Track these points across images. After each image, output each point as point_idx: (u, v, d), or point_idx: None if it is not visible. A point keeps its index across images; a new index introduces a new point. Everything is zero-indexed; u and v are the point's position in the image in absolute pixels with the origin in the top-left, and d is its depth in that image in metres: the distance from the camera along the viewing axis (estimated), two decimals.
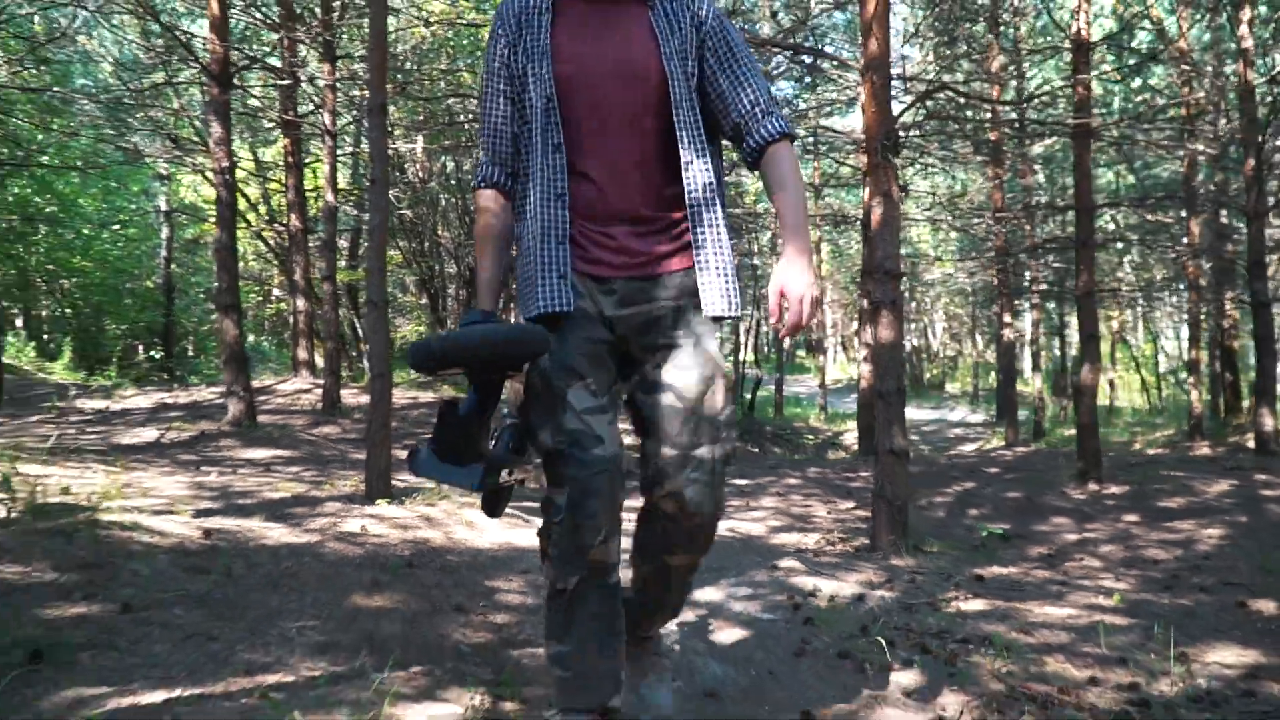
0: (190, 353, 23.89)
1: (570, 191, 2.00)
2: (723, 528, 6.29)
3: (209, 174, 11.07)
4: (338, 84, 10.32)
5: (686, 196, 2.01)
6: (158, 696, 2.27)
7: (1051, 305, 18.55)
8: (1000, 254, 12.50)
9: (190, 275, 22.91)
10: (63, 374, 15.80)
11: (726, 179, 2.08)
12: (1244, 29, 9.23)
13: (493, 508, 2.04)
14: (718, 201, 2.04)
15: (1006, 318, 12.86)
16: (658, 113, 2.00)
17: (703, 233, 2.02)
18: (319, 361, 12.76)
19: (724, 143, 2.22)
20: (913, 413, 23.33)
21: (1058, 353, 25.07)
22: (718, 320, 2.03)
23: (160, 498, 4.70)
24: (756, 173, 2.08)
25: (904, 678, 3.12)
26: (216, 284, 8.16)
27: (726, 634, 3.54)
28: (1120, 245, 13.05)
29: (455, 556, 4.31)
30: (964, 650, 3.48)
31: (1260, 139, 9.09)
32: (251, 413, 7.97)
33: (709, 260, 2.01)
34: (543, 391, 1.94)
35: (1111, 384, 21.09)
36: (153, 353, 20.33)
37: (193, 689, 2.34)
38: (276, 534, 4.21)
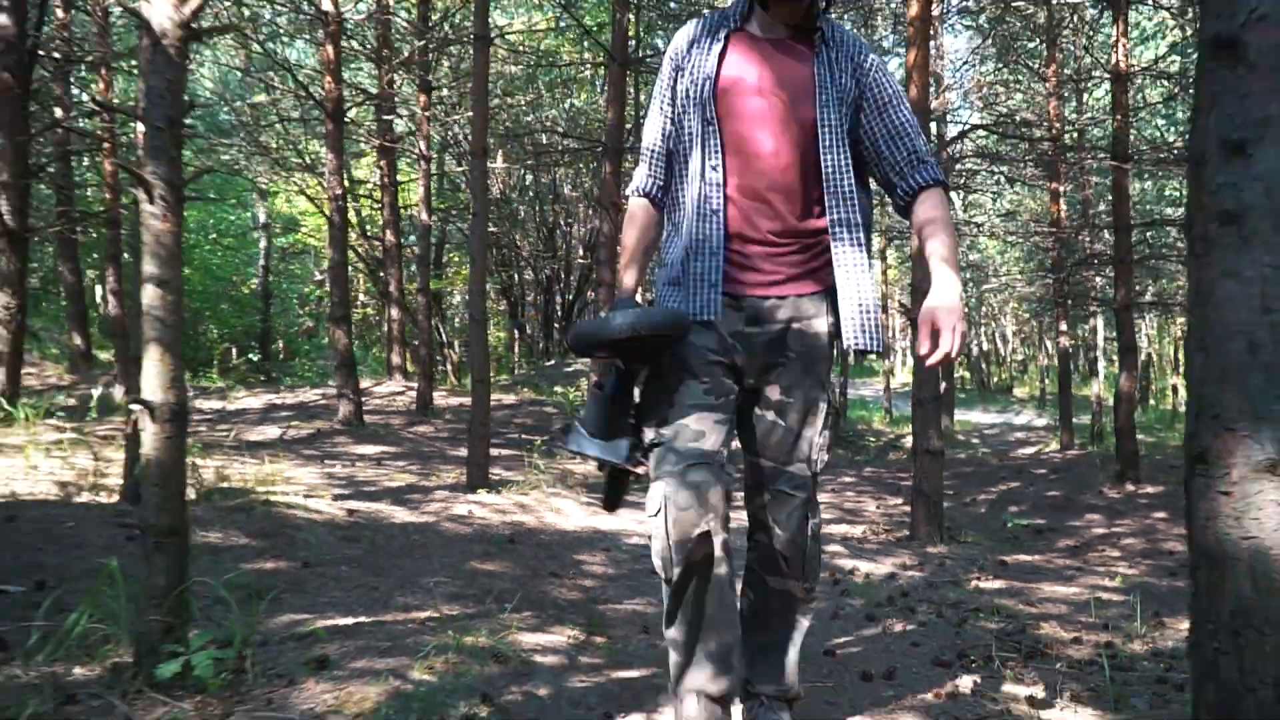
0: (280, 356, 25.30)
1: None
2: None
3: (314, 195, 12.08)
4: (431, 113, 11.27)
5: (831, 234, 2.10)
6: (348, 621, 3.13)
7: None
8: (1056, 266, 12.98)
9: (284, 282, 24.28)
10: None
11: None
12: None
13: (613, 504, 2.18)
14: (861, 240, 2.12)
15: (1063, 326, 13.32)
16: (806, 151, 2.08)
17: (844, 269, 2.10)
18: (407, 366, 13.75)
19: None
20: (978, 416, 23.70)
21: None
22: (861, 354, 2.13)
23: (301, 485, 5.62)
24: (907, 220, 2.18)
25: (915, 634, 3.86)
26: (331, 299, 9.16)
27: None
28: (1166, 259, 13.37)
29: (547, 536, 5.14)
30: (973, 616, 4.19)
31: None
32: (359, 413, 8.95)
33: (851, 295, 2.09)
34: (655, 388, 2.07)
35: (1175, 389, 21.19)
36: (250, 355, 21.67)
37: (370, 618, 3.20)
38: (401, 515, 5.10)
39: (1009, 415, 24.45)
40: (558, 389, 14.86)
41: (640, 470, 2.06)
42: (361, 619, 3.17)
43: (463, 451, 7.49)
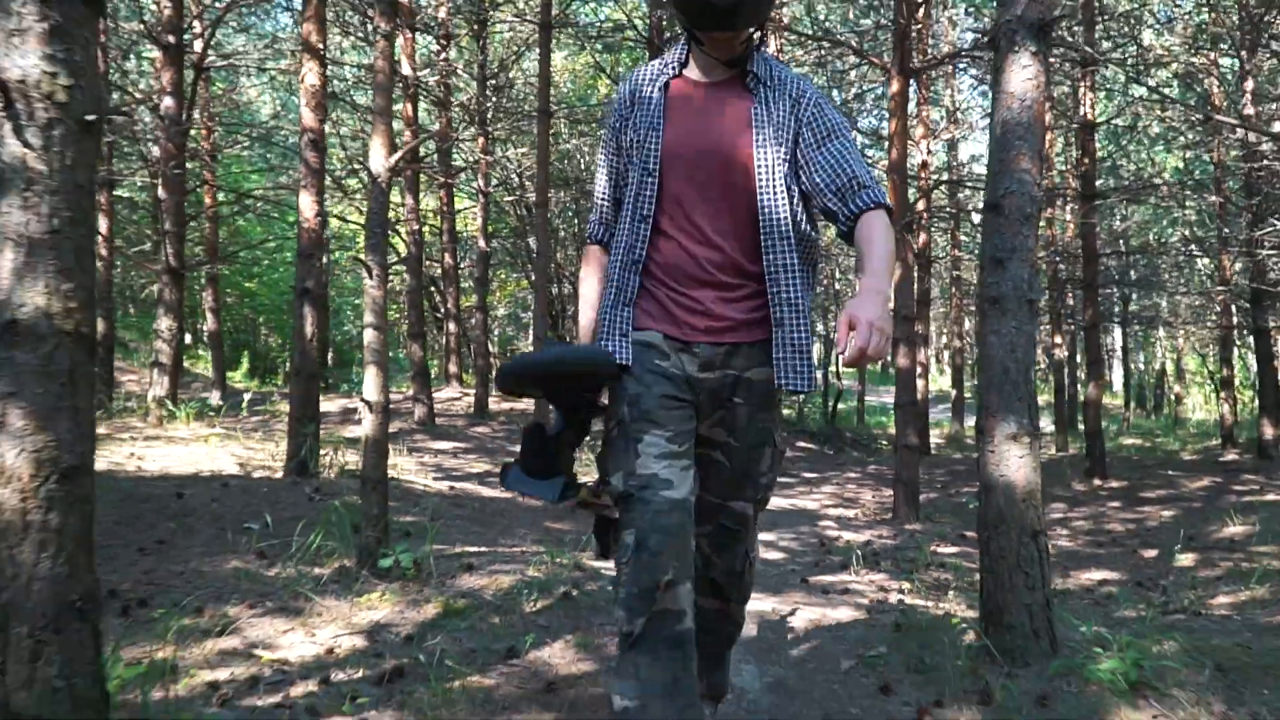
0: (329, 363, 27.04)
1: (660, 257, 2.12)
2: (785, 504, 8.52)
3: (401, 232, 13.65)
4: (490, 153, 12.85)
5: (766, 277, 2.08)
6: (476, 548, 4.62)
7: (1128, 328, 20.05)
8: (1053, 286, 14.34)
9: (339, 296, 25.98)
10: (241, 380, 18.89)
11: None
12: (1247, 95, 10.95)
13: (605, 548, 2.23)
14: (798, 282, 2.09)
15: (1057, 339, 14.65)
16: (747, 191, 2.08)
17: (779, 311, 2.08)
18: (462, 374, 15.31)
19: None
20: None
21: (1131, 369, 26.34)
22: (794, 393, 2.09)
23: (407, 470, 7.15)
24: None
25: (874, 575, 5.29)
26: (408, 318, 10.73)
27: (772, 553, 5.78)
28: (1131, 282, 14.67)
29: None
30: (923, 569, 5.60)
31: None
32: (432, 415, 10.50)
33: (786, 338, 2.08)
34: (619, 438, 2.02)
35: (1179, 398, 22.35)
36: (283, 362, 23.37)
37: (489, 548, 4.69)
38: (486, 491, 6.61)
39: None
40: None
41: (602, 507, 2.13)
42: (483, 549, 4.67)
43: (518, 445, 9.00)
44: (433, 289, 17.96)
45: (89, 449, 2.14)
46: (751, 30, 2.07)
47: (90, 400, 2.16)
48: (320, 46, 5.87)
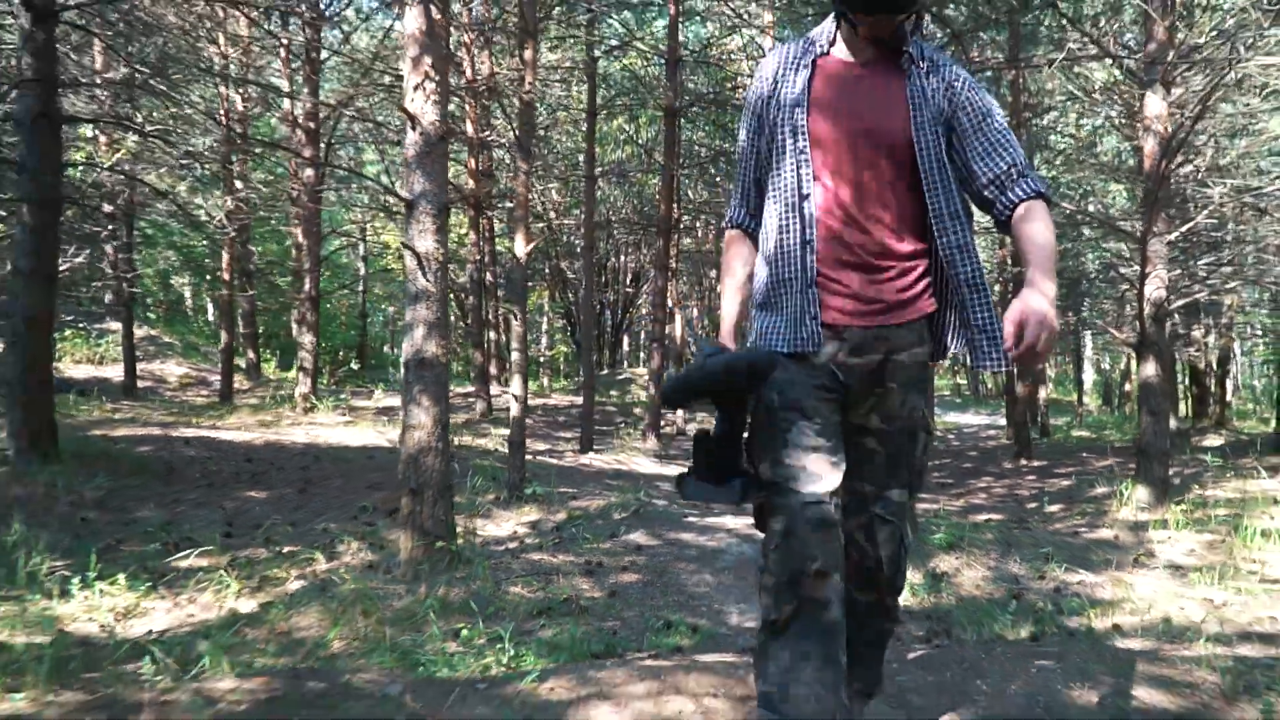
0: (356, 365, 29.62)
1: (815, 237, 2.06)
2: None
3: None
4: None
5: (944, 257, 2.03)
6: (569, 489, 7.14)
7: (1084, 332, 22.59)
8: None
9: (377, 303, 28.51)
10: (296, 379, 21.47)
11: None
12: None
13: (684, 487, 2.11)
14: (976, 260, 2.04)
15: None
16: (902, 174, 2.03)
17: (961, 291, 2.03)
18: (500, 376, 17.83)
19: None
20: (968, 418, 27.47)
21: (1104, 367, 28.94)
22: (989, 370, 2.02)
23: (479, 447, 9.67)
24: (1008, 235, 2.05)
25: None
26: (470, 328, 13.24)
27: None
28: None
29: (638, 475, 9.14)
30: None
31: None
32: (490, 408, 13.03)
33: (972, 318, 2.03)
34: (767, 426, 2.01)
35: (1127, 395, 24.91)
36: (351, 364, 25.90)
37: (575, 489, 7.20)
38: (554, 461, 9.13)
39: (994, 418, 28.22)
40: (613, 392, 18.98)
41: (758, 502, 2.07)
42: (573, 490, 7.20)
43: (562, 433, 11.56)
44: (485, 302, 20.57)
45: (447, 415, 4.69)
46: (910, 12, 2.02)
47: (446, 392, 4.71)
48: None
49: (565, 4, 10.94)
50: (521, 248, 6.42)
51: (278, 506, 5.96)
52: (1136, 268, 9.01)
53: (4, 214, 8.40)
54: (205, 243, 17.50)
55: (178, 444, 7.34)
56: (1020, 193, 1.99)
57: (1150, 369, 7.33)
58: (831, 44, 2.12)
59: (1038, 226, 1.93)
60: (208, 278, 18.62)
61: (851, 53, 2.10)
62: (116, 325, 13.65)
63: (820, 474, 1.94)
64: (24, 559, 4.25)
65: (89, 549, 4.52)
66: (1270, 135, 9.01)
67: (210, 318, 25.85)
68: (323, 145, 10.28)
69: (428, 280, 4.55)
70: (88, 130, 9.52)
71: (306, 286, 10.51)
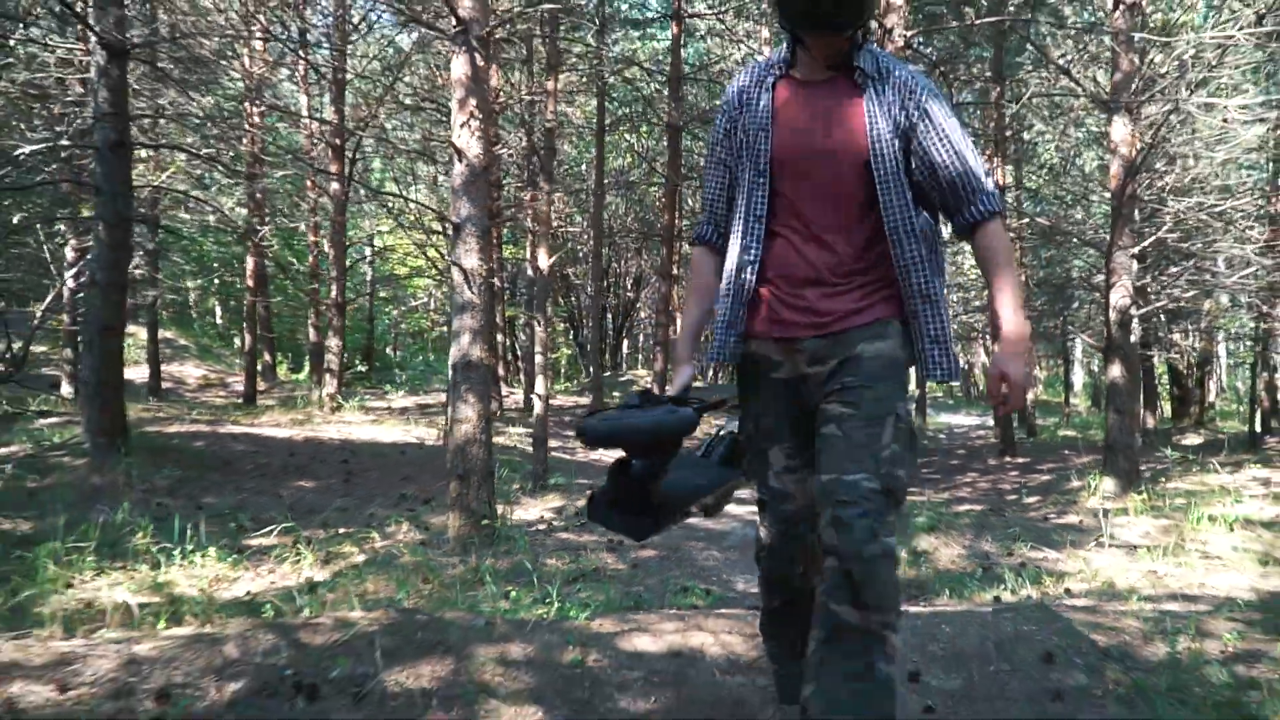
0: (364, 367, 30.26)
1: (769, 258, 2.14)
2: None
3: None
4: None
5: (898, 271, 2.06)
6: (588, 480, 7.81)
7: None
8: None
9: (382, 307, 29.17)
10: (306, 381, 22.09)
11: None
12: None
13: (593, 512, 2.21)
14: (929, 273, 2.07)
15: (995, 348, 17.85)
16: (861, 188, 2.06)
17: (913, 303, 2.07)
18: (509, 376, 18.50)
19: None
20: (960, 419, 28.18)
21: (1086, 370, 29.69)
22: (939, 381, 2.11)
23: (497, 444, 10.33)
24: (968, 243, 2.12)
25: None
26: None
27: None
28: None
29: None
30: None
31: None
32: (501, 408, 13.69)
33: (924, 329, 2.07)
34: (751, 451, 2.23)
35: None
36: (358, 366, 26.54)
37: (589, 481, 7.87)
38: (568, 456, 9.79)
39: (985, 419, 28.93)
40: (615, 393, 19.67)
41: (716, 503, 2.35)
42: (589, 481, 7.86)
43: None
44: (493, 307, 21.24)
45: (489, 411, 5.35)
46: (854, 29, 2.05)
47: (489, 391, 5.38)
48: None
49: (576, 27, 11.62)
50: (544, 261, 7.09)
51: (326, 494, 6.62)
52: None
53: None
54: (223, 249, 18.19)
55: (226, 439, 7.99)
56: (978, 211, 2.05)
57: (1117, 371, 8.03)
58: (790, 65, 2.18)
59: (1000, 255, 2.02)
60: (217, 281, 19.26)
61: (808, 72, 2.14)
62: (131, 328, 14.31)
63: (790, 493, 2.15)
64: (128, 536, 4.92)
65: (172, 529, 5.18)
66: (1217, 161, 9.70)
67: (218, 320, 26.57)
68: (348, 161, 10.94)
69: (473, 293, 5.23)
70: (141, 151, 10.19)
71: (333, 293, 11.17)
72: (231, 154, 10.09)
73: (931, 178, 2.06)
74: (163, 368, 15.65)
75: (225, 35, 7.48)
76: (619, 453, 2.08)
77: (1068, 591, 4.73)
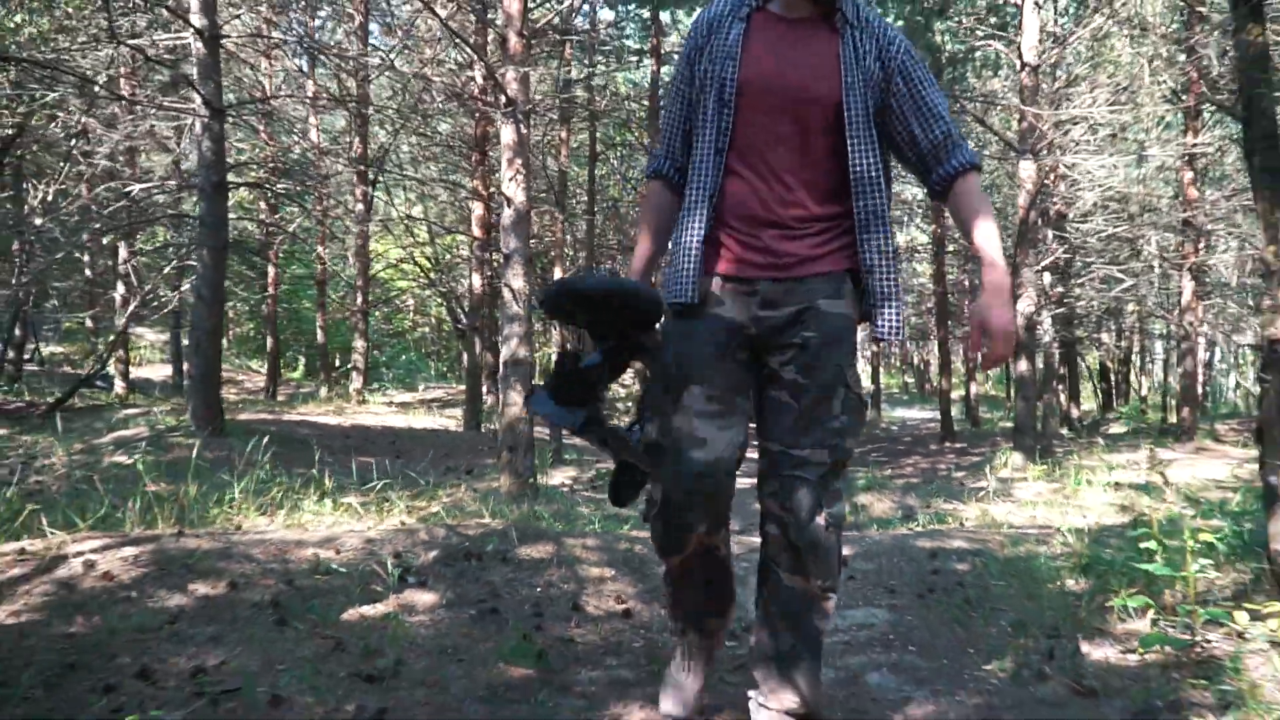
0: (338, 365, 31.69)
1: (725, 193, 2.04)
2: None
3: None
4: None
5: (857, 224, 2.01)
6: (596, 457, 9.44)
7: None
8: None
9: (374, 310, 30.57)
10: (303, 379, 23.51)
11: None
12: None
13: (618, 496, 2.20)
14: (888, 229, 2.03)
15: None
16: (827, 133, 2.00)
17: (870, 257, 2.01)
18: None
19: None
20: (914, 413, 30.12)
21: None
22: (882, 340, 2.02)
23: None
24: (943, 204, 2.09)
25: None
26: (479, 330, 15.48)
27: None
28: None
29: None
30: None
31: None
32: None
33: (877, 285, 2.01)
34: (659, 387, 2.03)
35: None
36: (347, 366, 27.97)
37: (596, 456, 9.50)
38: (577, 441, 11.43)
39: (935, 413, 30.86)
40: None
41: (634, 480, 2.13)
42: (596, 456, 9.49)
43: None
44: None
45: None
46: None
47: (531, 381, 7.02)
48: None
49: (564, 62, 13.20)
50: (558, 271, 8.71)
51: (384, 468, 8.20)
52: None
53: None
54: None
55: (292, 425, 9.52)
56: (956, 164, 2.02)
57: (1024, 365, 9.82)
58: None
59: (979, 207, 2.00)
60: (241, 286, 20.62)
61: (786, 8, 2.06)
62: (142, 330, 15.81)
63: (705, 439, 1.95)
64: (262, 493, 6.49)
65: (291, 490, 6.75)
66: (1088, 203, 11.58)
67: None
68: (369, 181, 12.49)
69: (519, 308, 6.86)
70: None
71: (360, 300, 12.74)
72: (300, 187, 11.60)
73: (908, 132, 2.04)
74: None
75: (302, 99, 9.01)
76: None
77: (961, 524, 6.44)
